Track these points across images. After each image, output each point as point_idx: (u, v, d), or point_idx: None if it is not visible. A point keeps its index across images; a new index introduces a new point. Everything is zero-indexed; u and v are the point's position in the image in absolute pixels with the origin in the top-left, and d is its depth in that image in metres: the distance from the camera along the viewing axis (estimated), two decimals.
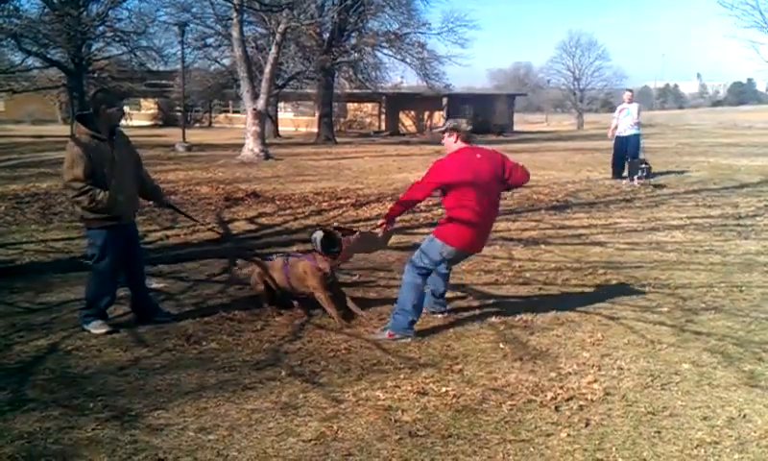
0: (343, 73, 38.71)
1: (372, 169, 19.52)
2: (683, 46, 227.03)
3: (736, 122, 53.56)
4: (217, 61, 39.04)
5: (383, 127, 49.28)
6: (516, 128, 51.37)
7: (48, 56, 33.95)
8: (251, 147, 22.89)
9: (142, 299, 5.97)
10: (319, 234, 6.03)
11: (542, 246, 8.92)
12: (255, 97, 23.25)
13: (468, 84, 65.94)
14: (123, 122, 6.12)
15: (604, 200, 13.04)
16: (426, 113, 49.13)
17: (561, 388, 4.42)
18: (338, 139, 36.84)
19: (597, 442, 3.75)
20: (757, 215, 11.14)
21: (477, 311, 6.12)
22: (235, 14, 23.08)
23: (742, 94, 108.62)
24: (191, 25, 33.60)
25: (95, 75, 36.61)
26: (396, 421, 3.99)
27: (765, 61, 52.53)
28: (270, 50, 24.95)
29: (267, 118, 29.21)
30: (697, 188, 14.45)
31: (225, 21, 31.43)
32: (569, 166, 19.67)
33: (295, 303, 6.21)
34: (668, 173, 16.72)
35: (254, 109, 23.12)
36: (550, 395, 4.31)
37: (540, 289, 6.95)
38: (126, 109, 7.79)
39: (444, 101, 45.08)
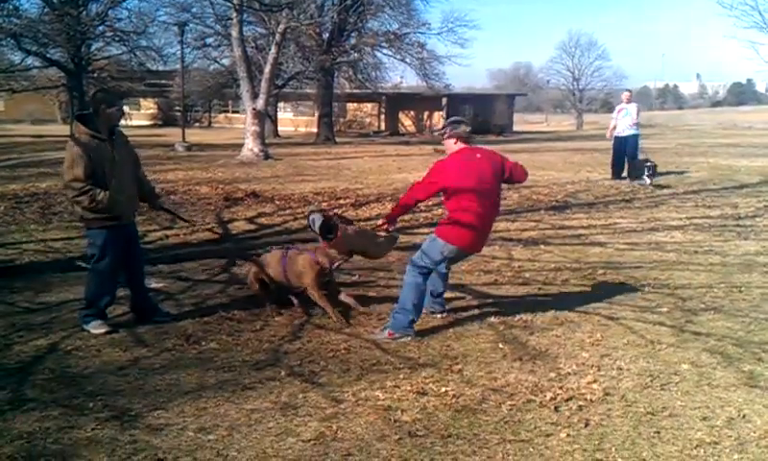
0: (342, 73, 38.72)
1: (371, 169, 19.52)
2: (682, 46, 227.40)
3: (736, 122, 53.60)
4: (217, 61, 39.04)
5: (383, 127, 49.30)
6: (515, 128, 51.37)
7: (48, 55, 33.95)
8: (250, 147, 22.89)
9: (142, 299, 5.97)
10: (317, 217, 6.01)
11: (542, 246, 8.92)
12: (255, 97, 23.25)
13: (468, 84, 66.09)
14: (122, 122, 6.12)
15: (603, 200, 13.04)
16: (426, 113, 49.15)
17: (560, 388, 4.42)
18: (338, 139, 36.83)
19: (597, 442, 3.75)
20: (757, 216, 11.15)
21: (477, 311, 6.12)
22: (235, 14, 23.08)
23: (742, 95, 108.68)
24: (191, 25, 33.61)
25: (95, 75, 36.61)
26: (395, 421, 4.00)
27: (765, 62, 52.41)
28: (269, 50, 24.94)
29: (266, 118, 29.21)
30: (697, 189, 14.46)
31: (224, 21, 31.41)
32: (569, 166, 19.68)
33: (295, 301, 6.21)
34: (668, 173, 16.71)
35: (254, 109, 23.12)
36: (549, 395, 4.31)
37: (539, 289, 6.95)
38: (125, 108, 7.79)
39: (444, 101, 45.10)
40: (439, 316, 5.93)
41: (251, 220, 11.20)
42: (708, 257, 8.19)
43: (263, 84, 23.64)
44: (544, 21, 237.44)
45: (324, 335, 5.52)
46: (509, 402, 4.23)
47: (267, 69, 23.88)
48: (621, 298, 6.51)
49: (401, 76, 47.05)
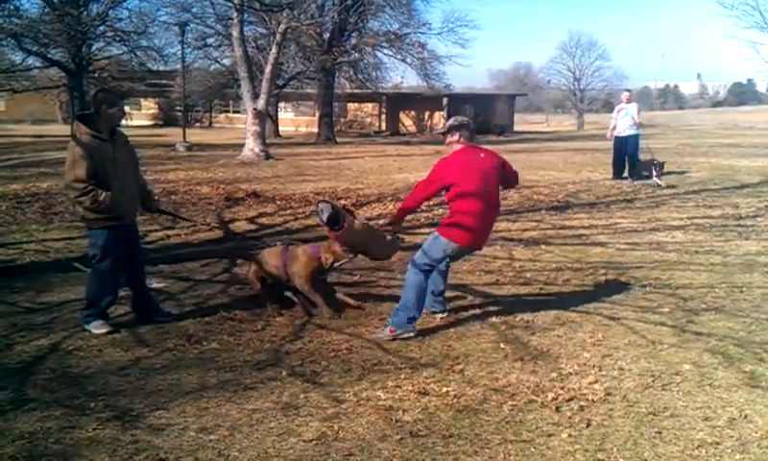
0: (343, 73, 38.73)
1: (372, 169, 19.52)
2: (683, 46, 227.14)
3: (737, 122, 53.58)
4: (217, 61, 39.08)
5: (383, 127, 49.30)
6: (516, 128, 51.36)
7: (48, 55, 33.99)
8: (251, 147, 22.90)
9: (143, 299, 5.97)
10: (326, 207, 6.02)
11: (543, 246, 8.92)
12: (256, 97, 23.26)
13: (469, 84, 66.05)
14: (123, 122, 6.12)
15: (604, 200, 13.04)
16: (427, 113, 49.14)
17: (562, 388, 4.42)
18: (338, 139, 36.85)
19: (598, 442, 3.75)
20: (758, 216, 11.14)
21: (478, 311, 6.12)
22: (236, 14, 23.09)
23: (742, 95, 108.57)
24: (191, 25, 33.66)
25: (95, 75, 36.66)
26: (397, 421, 3.99)
27: (765, 62, 52.45)
28: (270, 50, 24.96)
29: (267, 118, 29.20)
30: (698, 189, 14.45)
31: (225, 21, 31.43)
32: (570, 166, 19.67)
33: (295, 300, 6.22)
34: (669, 173, 16.68)
35: (255, 109, 23.12)
36: (551, 395, 4.31)
37: (540, 289, 6.94)
38: (126, 108, 7.80)
39: (445, 101, 45.09)
40: (440, 316, 5.93)
41: (252, 220, 11.20)
42: (710, 257, 8.18)
43: (264, 85, 23.65)
44: (544, 21, 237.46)
45: (326, 335, 5.51)
46: (510, 403, 4.23)
47: (268, 69, 23.90)
48: (622, 298, 6.51)
49: (402, 76, 47.08)
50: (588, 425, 3.94)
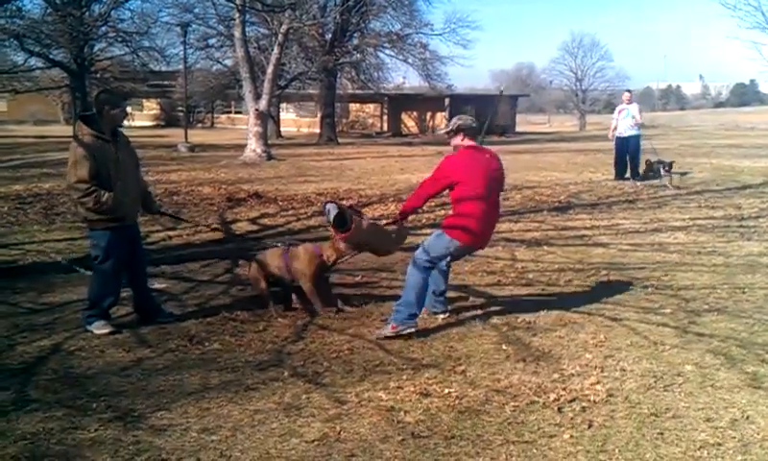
0: (345, 74, 38.75)
1: (374, 170, 19.52)
2: (685, 47, 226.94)
3: (739, 123, 53.50)
4: (219, 62, 39.13)
5: (385, 127, 49.30)
6: (518, 129, 51.32)
7: (51, 56, 34.01)
8: (253, 147, 22.91)
9: (145, 299, 5.98)
10: (333, 207, 6.03)
11: (545, 247, 8.92)
12: (258, 98, 23.28)
13: (471, 84, 65.85)
14: (125, 123, 6.13)
15: (606, 201, 13.03)
16: (429, 114, 49.13)
17: (564, 389, 4.42)
18: (340, 140, 36.85)
19: (600, 443, 3.74)
20: (760, 217, 11.12)
21: (480, 312, 6.11)
22: (237, 15, 23.09)
23: (744, 95, 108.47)
24: (193, 25, 33.72)
25: (98, 75, 36.68)
26: (398, 422, 3.99)
27: None
28: (272, 50, 24.98)
29: (269, 119, 29.23)
30: (700, 189, 14.44)
31: (227, 22, 31.47)
32: (572, 167, 19.66)
33: (295, 300, 6.22)
34: (671, 174, 16.68)
35: (257, 110, 23.13)
36: (553, 396, 4.31)
37: (542, 290, 6.94)
38: (128, 109, 7.80)
39: (447, 101, 45.10)
40: (441, 316, 5.94)
41: (253, 221, 11.21)
42: (712, 258, 8.17)
43: (266, 85, 23.67)
44: (546, 22, 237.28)
45: (328, 336, 5.52)
46: (512, 404, 4.23)
47: (270, 70, 23.91)
48: (624, 299, 6.51)
49: (404, 77, 47.11)
50: (590, 426, 3.94)
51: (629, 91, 17.35)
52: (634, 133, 15.98)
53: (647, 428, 3.91)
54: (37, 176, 17.12)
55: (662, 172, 14.94)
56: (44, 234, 9.77)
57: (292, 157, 24.23)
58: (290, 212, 11.91)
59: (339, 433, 3.85)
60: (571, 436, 3.82)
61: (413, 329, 5.45)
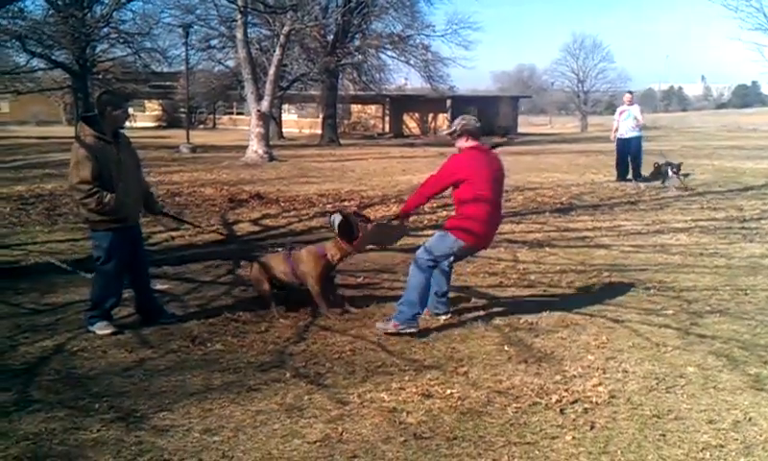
0: (347, 75, 38.80)
1: (375, 171, 19.52)
2: (687, 48, 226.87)
3: (740, 125, 53.49)
4: (221, 63, 39.19)
5: (387, 129, 49.32)
6: (519, 130, 51.33)
7: (53, 57, 34.05)
8: (255, 148, 22.93)
9: (147, 300, 5.98)
10: (337, 218, 6.04)
11: (547, 248, 8.91)
12: (259, 99, 23.29)
13: (472, 86, 66.00)
14: (127, 123, 6.14)
15: (608, 202, 13.02)
16: (430, 115, 49.15)
17: (566, 391, 4.41)
18: (342, 141, 36.86)
19: (602, 445, 3.74)
20: (762, 218, 11.11)
21: (482, 313, 6.11)
22: (239, 16, 23.12)
23: (746, 97, 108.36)
24: (195, 26, 33.71)
25: (99, 76, 36.71)
26: (400, 423, 3.99)
27: None
28: (274, 52, 24.99)
29: (271, 120, 29.24)
30: (702, 191, 14.42)
31: (229, 23, 31.51)
32: (574, 168, 19.64)
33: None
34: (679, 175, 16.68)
35: (258, 111, 23.15)
36: (555, 397, 4.30)
37: (544, 291, 6.94)
38: (130, 110, 7.82)
39: (448, 103, 45.12)
40: (443, 318, 5.94)
41: (255, 222, 11.21)
42: (714, 260, 8.17)
43: (267, 86, 23.69)
44: (547, 23, 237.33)
45: (330, 337, 5.52)
46: (514, 405, 4.22)
47: (271, 71, 23.94)
48: (626, 300, 6.50)
49: (405, 78, 47.22)
50: (592, 428, 3.93)
51: (630, 92, 17.38)
52: (635, 134, 15.99)
53: (649, 430, 3.91)
54: (40, 177, 17.14)
55: (671, 173, 14.90)
56: (46, 235, 9.78)
57: (294, 159, 24.24)
58: (292, 213, 11.91)
59: (341, 434, 3.85)
60: (573, 437, 3.81)
61: (414, 330, 5.47)
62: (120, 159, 5.50)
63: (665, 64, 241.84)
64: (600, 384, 4.52)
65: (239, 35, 23.47)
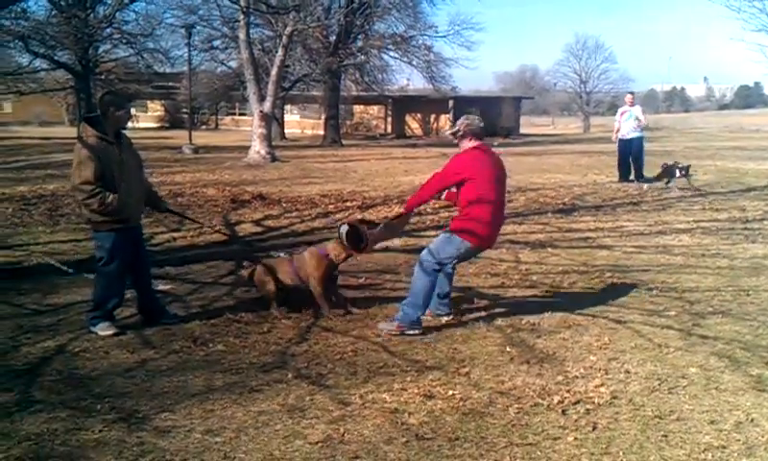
0: (349, 75, 38.76)
1: (378, 172, 19.53)
2: (689, 49, 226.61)
3: (743, 125, 53.40)
4: (224, 64, 39.20)
5: (389, 129, 49.28)
6: (522, 131, 51.30)
7: (55, 58, 34.06)
8: (257, 149, 22.95)
9: (149, 301, 5.99)
10: (344, 228, 6.06)
11: (549, 249, 8.91)
12: (262, 99, 23.30)
13: (475, 86, 65.96)
14: (130, 124, 6.14)
15: (611, 203, 13.01)
16: (433, 116, 49.11)
17: (568, 392, 4.41)
18: (344, 142, 36.86)
19: (604, 446, 3.74)
20: (765, 219, 11.10)
21: (484, 314, 6.11)
22: (242, 17, 23.16)
23: (749, 98, 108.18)
24: (198, 27, 33.76)
25: (102, 77, 36.70)
26: (402, 423, 3.99)
27: None
28: (276, 52, 25.00)
29: (273, 120, 29.24)
30: (704, 192, 14.41)
31: (231, 23, 31.56)
32: (576, 169, 19.64)
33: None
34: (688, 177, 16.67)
35: (261, 112, 23.16)
36: (557, 398, 4.30)
37: (546, 292, 6.93)
38: (132, 111, 7.83)
39: (451, 103, 45.09)
40: (445, 318, 5.93)
41: (258, 222, 11.22)
42: (716, 261, 8.16)
43: (270, 87, 23.69)
44: (549, 24, 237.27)
45: (332, 338, 5.52)
46: (516, 406, 4.22)
47: (274, 71, 23.94)
48: (629, 301, 6.50)
49: (408, 78, 47.11)
50: (594, 429, 3.93)
51: (631, 93, 17.37)
52: (637, 134, 15.98)
53: (651, 431, 3.91)
54: (42, 177, 17.15)
55: (678, 174, 14.87)
56: (49, 236, 9.79)
57: (296, 159, 24.26)
58: (294, 214, 11.91)
59: (343, 435, 3.85)
60: (575, 438, 3.81)
61: (418, 332, 5.47)
62: (122, 160, 5.51)
63: (667, 66, 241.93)
64: (602, 385, 4.52)
65: (242, 35, 23.50)
